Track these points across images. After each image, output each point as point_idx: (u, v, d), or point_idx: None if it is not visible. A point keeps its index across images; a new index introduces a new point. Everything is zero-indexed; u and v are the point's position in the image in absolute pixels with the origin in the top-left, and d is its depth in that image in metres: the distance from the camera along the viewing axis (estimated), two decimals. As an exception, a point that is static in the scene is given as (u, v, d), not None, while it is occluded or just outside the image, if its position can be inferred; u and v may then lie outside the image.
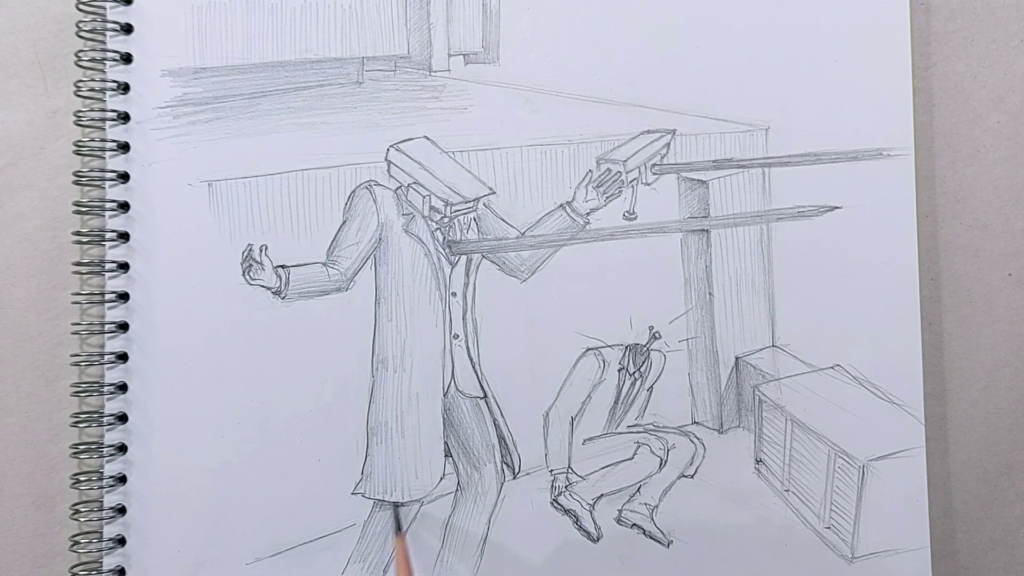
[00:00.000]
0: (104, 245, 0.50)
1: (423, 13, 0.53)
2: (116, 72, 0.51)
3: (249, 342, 0.51)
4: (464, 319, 0.52)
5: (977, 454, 0.53)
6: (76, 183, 0.51)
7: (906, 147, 0.53)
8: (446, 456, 0.52)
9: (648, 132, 0.53)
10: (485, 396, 0.52)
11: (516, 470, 0.52)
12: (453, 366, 0.52)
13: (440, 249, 0.52)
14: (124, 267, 0.51)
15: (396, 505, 0.51)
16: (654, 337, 0.53)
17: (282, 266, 0.51)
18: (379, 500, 0.51)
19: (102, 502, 0.50)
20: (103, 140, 0.51)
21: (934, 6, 0.54)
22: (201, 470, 0.50)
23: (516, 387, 0.52)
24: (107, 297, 0.50)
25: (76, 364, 0.50)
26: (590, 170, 0.53)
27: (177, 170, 0.51)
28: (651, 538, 0.52)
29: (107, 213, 0.50)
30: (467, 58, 0.53)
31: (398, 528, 0.51)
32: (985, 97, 0.54)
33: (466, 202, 0.52)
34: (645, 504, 0.53)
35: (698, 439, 0.53)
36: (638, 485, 0.53)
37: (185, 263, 0.51)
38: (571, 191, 0.52)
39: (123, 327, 0.50)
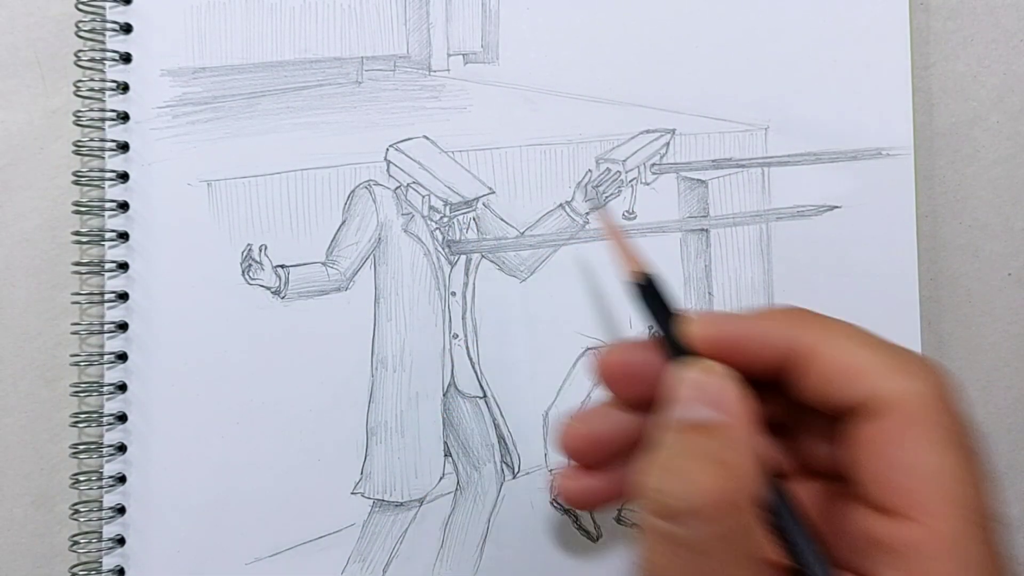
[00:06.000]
0: (104, 245, 0.50)
1: (422, 13, 0.53)
2: (115, 72, 0.51)
3: (248, 342, 0.51)
4: (463, 319, 0.52)
5: (977, 454, 0.53)
6: (75, 183, 0.50)
7: (905, 147, 0.53)
8: (445, 456, 0.52)
9: (647, 132, 0.53)
10: (485, 396, 0.52)
11: (516, 470, 0.52)
12: (453, 366, 0.52)
13: (439, 249, 0.52)
14: (124, 267, 0.51)
15: (594, 205, 0.50)
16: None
17: (281, 266, 0.51)
18: (379, 500, 0.51)
19: (102, 502, 0.50)
20: (102, 140, 0.51)
21: (933, 6, 0.54)
22: (201, 470, 0.50)
23: (516, 387, 0.52)
24: (106, 297, 0.50)
25: (76, 364, 0.50)
26: (589, 170, 0.53)
27: (176, 170, 0.51)
28: (651, 538, 0.52)
29: (106, 213, 0.50)
30: (466, 58, 0.53)
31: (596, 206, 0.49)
32: (985, 97, 0.54)
33: (465, 202, 0.52)
34: (645, 504, 0.52)
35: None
36: (638, 485, 0.53)
37: (185, 263, 0.51)
38: (570, 191, 0.52)
39: (123, 327, 0.50)
